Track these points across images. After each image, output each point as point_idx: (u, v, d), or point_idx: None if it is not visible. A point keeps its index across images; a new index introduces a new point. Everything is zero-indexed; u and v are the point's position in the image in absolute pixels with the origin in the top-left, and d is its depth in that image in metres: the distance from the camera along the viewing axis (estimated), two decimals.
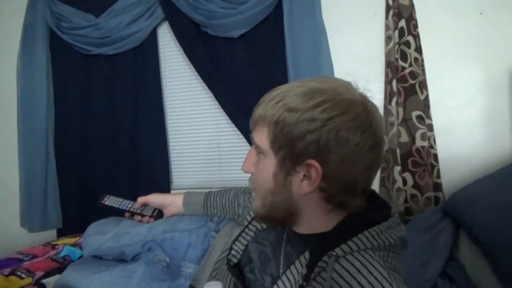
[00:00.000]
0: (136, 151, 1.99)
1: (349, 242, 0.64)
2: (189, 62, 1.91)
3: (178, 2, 1.83)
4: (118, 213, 1.26)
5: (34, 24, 2.01)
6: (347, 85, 0.68)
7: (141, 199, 1.24)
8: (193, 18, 1.83)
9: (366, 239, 0.65)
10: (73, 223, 2.02)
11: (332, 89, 0.65)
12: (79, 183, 2.04)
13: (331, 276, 0.62)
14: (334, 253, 0.63)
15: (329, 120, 0.62)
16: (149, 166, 1.97)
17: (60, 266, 1.25)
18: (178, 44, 1.92)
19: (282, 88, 0.69)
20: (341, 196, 0.67)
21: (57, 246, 1.43)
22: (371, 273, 0.61)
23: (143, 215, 1.22)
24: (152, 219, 1.21)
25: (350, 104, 0.64)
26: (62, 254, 1.34)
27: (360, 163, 0.65)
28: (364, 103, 0.66)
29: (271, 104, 0.67)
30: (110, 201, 1.25)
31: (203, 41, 1.86)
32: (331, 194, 0.67)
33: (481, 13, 1.67)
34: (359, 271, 0.61)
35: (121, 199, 1.26)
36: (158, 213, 1.23)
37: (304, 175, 0.66)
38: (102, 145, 2.01)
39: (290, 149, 0.65)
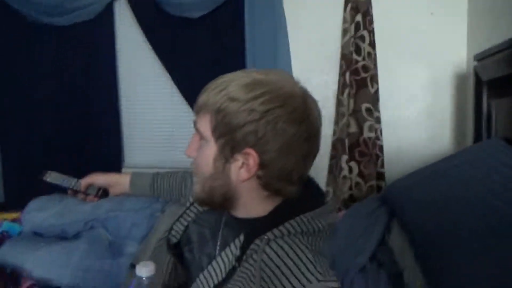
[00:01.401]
0: (87, 128, 1.94)
1: (280, 227, 0.68)
2: (146, 40, 1.86)
3: None
4: (61, 190, 1.23)
5: None
6: (288, 78, 0.71)
7: (85, 180, 1.21)
8: None
9: (297, 224, 0.69)
10: (17, 197, 1.94)
11: (274, 81, 0.68)
12: (24, 157, 1.96)
13: (261, 258, 0.66)
14: (266, 237, 0.67)
15: (267, 112, 0.65)
16: (101, 144, 1.93)
17: None
18: (135, 21, 1.87)
19: (226, 77, 0.70)
20: (277, 183, 0.70)
21: None
22: (297, 255, 0.65)
23: (87, 194, 1.20)
24: (96, 198, 1.20)
25: (289, 97, 0.67)
26: (0, 230, 1.29)
27: (296, 153, 0.68)
28: (303, 97, 0.69)
29: (215, 92, 0.69)
30: (52, 177, 1.21)
31: (162, 19, 1.83)
32: (268, 181, 0.70)
33: (432, 13, 1.76)
34: (287, 254, 0.65)
35: (64, 176, 1.22)
36: (103, 192, 1.21)
37: (242, 163, 0.68)
38: (49, 119, 1.93)
39: (230, 138, 0.67)
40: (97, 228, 1.12)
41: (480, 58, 1.42)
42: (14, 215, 1.43)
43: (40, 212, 1.16)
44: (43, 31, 1.91)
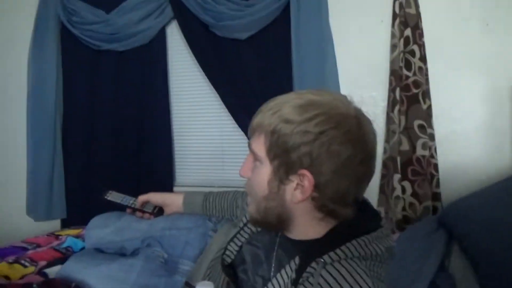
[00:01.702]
0: (140, 148, 2.03)
1: (337, 250, 0.67)
2: (196, 62, 1.94)
3: (188, 2, 1.86)
4: (120, 208, 1.29)
5: (46, 17, 2.06)
6: (342, 99, 0.70)
7: (142, 198, 1.27)
8: (202, 18, 1.86)
9: (354, 248, 0.67)
10: (78, 214, 2.06)
11: (327, 102, 0.68)
12: (85, 175, 2.08)
13: (318, 282, 0.65)
14: (322, 260, 0.66)
15: (321, 133, 0.65)
16: (153, 163, 2.01)
17: (63, 256, 1.29)
18: (186, 44, 1.96)
19: (279, 99, 0.72)
20: (332, 205, 0.70)
21: (60, 237, 1.48)
22: (356, 281, 0.63)
23: (144, 212, 1.26)
24: (152, 216, 1.25)
25: (343, 118, 0.66)
26: (65, 245, 1.38)
27: (351, 175, 0.67)
28: (357, 117, 0.68)
29: (269, 114, 0.70)
30: (113, 196, 1.29)
31: (211, 41, 1.89)
32: (323, 203, 0.69)
33: (487, 25, 1.68)
34: (344, 278, 0.64)
35: (123, 195, 1.29)
36: (159, 211, 1.26)
37: (297, 184, 0.69)
38: (107, 139, 2.05)
39: (285, 159, 0.68)
40: (153, 245, 1.16)
41: None
42: (76, 231, 1.53)
43: (101, 229, 1.23)
44: (104, 57, 2.05)
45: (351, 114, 0.68)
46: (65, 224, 2.06)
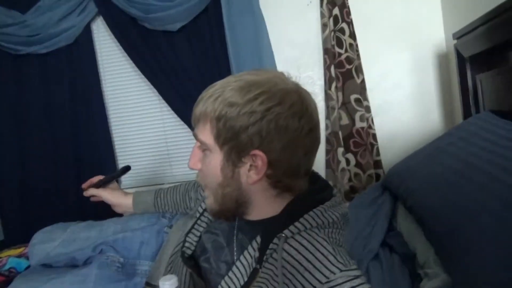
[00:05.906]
0: (79, 156, 1.92)
1: (296, 223, 0.69)
2: (128, 57, 1.86)
3: None
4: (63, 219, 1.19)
5: None
6: (280, 75, 0.72)
7: (91, 192, 1.18)
8: (129, 12, 1.78)
9: (312, 218, 0.69)
10: (16, 233, 1.90)
11: (267, 81, 0.69)
12: (19, 192, 1.92)
13: (282, 256, 0.66)
14: (283, 235, 0.68)
15: (267, 111, 0.65)
16: (94, 168, 1.90)
17: (6, 279, 1.19)
18: (115, 39, 1.86)
19: (219, 84, 0.71)
20: (286, 180, 0.71)
21: (0, 259, 1.36)
22: (317, 249, 0.66)
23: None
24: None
25: (285, 93, 0.68)
26: (7, 267, 1.27)
27: (300, 147, 0.69)
28: (298, 91, 0.70)
29: (211, 101, 0.69)
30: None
31: (141, 35, 1.82)
32: (277, 179, 0.70)
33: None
34: (306, 248, 0.66)
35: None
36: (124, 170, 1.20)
37: (251, 165, 0.69)
38: (41, 151, 1.91)
39: (235, 142, 0.67)
40: (106, 251, 1.11)
41: (460, 36, 1.46)
42: (18, 250, 1.41)
43: (46, 243, 1.15)
44: (25, 61, 1.89)
45: (292, 88, 0.69)
46: (4, 246, 1.89)
